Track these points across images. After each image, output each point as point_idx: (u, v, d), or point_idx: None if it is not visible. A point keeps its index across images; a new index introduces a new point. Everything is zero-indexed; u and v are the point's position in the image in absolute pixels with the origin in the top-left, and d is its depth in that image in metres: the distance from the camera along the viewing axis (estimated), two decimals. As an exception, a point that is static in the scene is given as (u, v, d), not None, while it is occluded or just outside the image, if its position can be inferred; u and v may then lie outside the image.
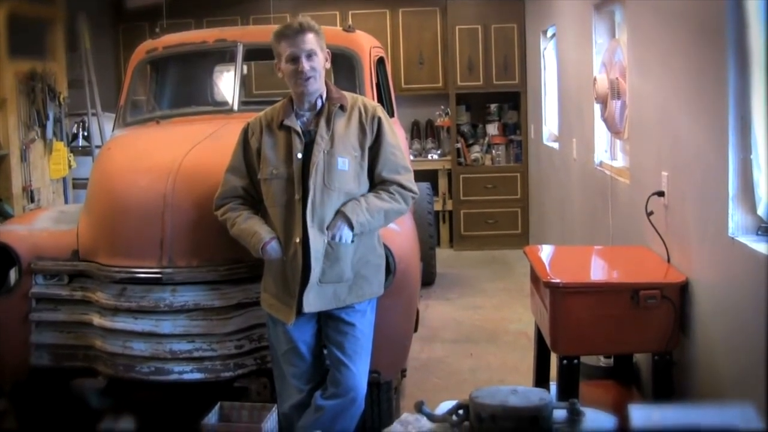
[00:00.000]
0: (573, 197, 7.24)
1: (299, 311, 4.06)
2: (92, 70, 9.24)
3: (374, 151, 4.15)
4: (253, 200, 4.24)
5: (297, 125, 4.09)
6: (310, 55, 4.03)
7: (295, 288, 4.05)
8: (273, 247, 4.07)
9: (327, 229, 4.01)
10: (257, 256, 4.11)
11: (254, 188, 4.21)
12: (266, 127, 4.18)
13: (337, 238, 4.02)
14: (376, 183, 4.17)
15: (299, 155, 4.04)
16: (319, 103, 4.13)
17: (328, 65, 4.19)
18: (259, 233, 4.08)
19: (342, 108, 4.13)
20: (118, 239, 4.61)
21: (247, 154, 4.22)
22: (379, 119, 4.17)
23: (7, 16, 8.01)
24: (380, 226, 4.21)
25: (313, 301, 4.04)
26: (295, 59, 4.02)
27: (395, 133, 4.26)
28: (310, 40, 4.04)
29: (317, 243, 4.00)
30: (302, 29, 4.03)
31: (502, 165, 10.53)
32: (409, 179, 4.21)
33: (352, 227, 4.02)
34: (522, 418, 2.67)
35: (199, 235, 4.48)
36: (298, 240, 4.02)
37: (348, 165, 4.05)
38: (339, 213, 4.02)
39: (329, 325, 4.17)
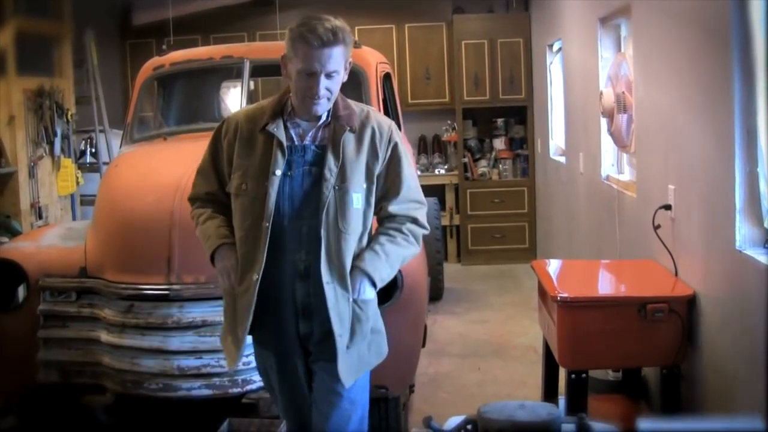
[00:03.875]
0: (580, 211, 7.24)
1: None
2: (99, 86, 9.28)
3: (386, 179, 3.45)
4: (221, 204, 3.55)
5: (282, 135, 3.34)
6: (330, 75, 3.26)
7: (242, 333, 3.40)
8: (222, 255, 3.43)
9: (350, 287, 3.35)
10: (210, 261, 3.50)
11: (224, 195, 3.52)
12: (245, 128, 3.43)
13: (361, 296, 3.37)
14: (383, 217, 3.49)
15: (278, 172, 3.31)
16: (325, 117, 3.38)
17: (346, 77, 3.40)
18: (213, 236, 3.47)
19: (351, 129, 3.38)
20: (126, 256, 4.62)
21: (217, 156, 3.53)
22: (396, 144, 3.46)
23: (15, 34, 8.04)
24: (394, 274, 3.59)
25: (346, 373, 3.37)
26: (310, 74, 3.24)
27: (409, 159, 3.58)
28: (336, 57, 3.26)
29: (341, 303, 3.32)
30: (331, 42, 3.22)
31: (509, 179, 10.53)
32: (423, 214, 3.56)
33: (374, 285, 3.40)
34: (530, 432, 2.67)
35: (206, 251, 4.48)
36: (256, 277, 3.31)
37: (360, 201, 3.38)
38: (357, 269, 3.36)
39: (317, 382, 3.54)
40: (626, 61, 5.28)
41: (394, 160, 3.45)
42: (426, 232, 3.58)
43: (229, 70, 6.48)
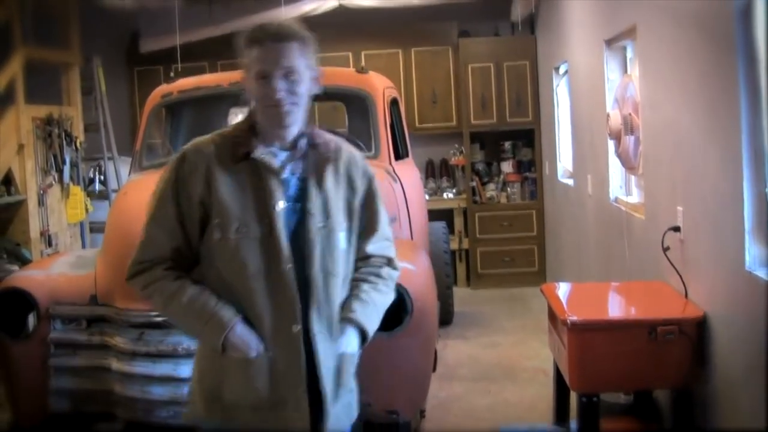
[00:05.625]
0: (589, 233, 7.23)
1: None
2: (108, 114, 9.34)
3: (362, 216, 3.08)
4: (186, 265, 2.95)
5: (273, 161, 2.89)
6: (288, 74, 2.84)
7: (301, 399, 2.86)
8: (241, 335, 2.84)
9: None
10: (215, 349, 2.87)
11: (190, 249, 2.93)
12: (219, 160, 2.91)
13: (348, 349, 2.96)
14: (359, 258, 3.09)
15: (279, 206, 2.86)
16: (302, 145, 2.96)
17: (317, 90, 2.97)
18: (217, 315, 2.84)
19: (328, 159, 3.00)
20: (136, 283, 4.62)
21: (182, 199, 2.91)
22: (371, 177, 3.11)
23: (23, 62, 8.09)
24: None
25: (334, 429, 2.97)
26: (267, 77, 2.84)
27: (380, 193, 3.20)
28: (291, 53, 2.85)
29: (328, 354, 2.90)
30: (282, 36, 2.86)
31: (517, 202, 10.52)
32: (395, 252, 3.21)
33: (364, 338, 3.01)
34: (542, 456, 2.67)
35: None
36: (297, 329, 2.84)
37: (344, 241, 2.99)
38: (349, 320, 2.95)
39: None
40: (633, 83, 5.29)
41: (371, 195, 3.10)
42: (399, 273, 3.22)
43: (237, 97, 6.45)
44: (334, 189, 2.97)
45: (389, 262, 3.16)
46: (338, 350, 2.93)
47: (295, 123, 2.92)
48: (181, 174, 2.93)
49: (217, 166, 2.89)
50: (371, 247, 3.09)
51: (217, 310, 2.84)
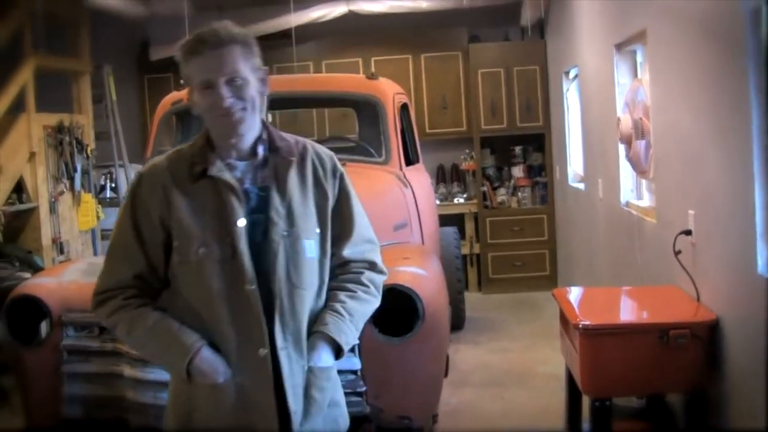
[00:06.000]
0: (600, 238, 7.22)
1: None
2: (118, 121, 9.38)
3: (336, 220, 2.90)
4: (152, 292, 2.83)
5: (230, 177, 2.74)
6: (233, 79, 2.69)
7: (272, 423, 2.72)
8: (206, 360, 2.70)
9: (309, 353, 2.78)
10: (180, 377, 2.76)
11: (154, 275, 2.82)
12: (175, 180, 2.78)
13: (318, 363, 2.79)
14: (335, 264, 2.92)
15: (240, 223, 2.71)
16: (260, 151, 2.81)
17: (267, 91, 2.85)
18: (180, 340, 2.72)
19: (291, 162, 2.83)
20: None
21: (141, 225, 2.79)
22: (341, 175, 2.93)
23: (34, 71, 8.13)
24: None
25: None
26: (210, 86, 2.69)
27: (354, 192, 3.01)
28: (232, 58, 2.69)
29: (296, 373, 2.74)
30: (220, 42, 2.68)
31: (528, 207, 10.51)
32: (379, 256, 3.03)
33: (339, 352, 2.83)
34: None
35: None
36: (264, 352, 2.69)
37: (314, 249, 2.81)
38: (319, 334, 2.79)
39: None
40: (643, 87, 5.28)
41: (343, 195, 2.92)
42: (385, 277, 3.03)
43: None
44: (300, 194, 2.81)
45: (372, 267, 2.98)
46: (306, 366, 2.76)
47: (250, 130, 2.77)
48: (139, 199, 2.80)
49: (175, 187, 2.76)
50: (348, 252, 2.92)
51: (179, 335, 2.72)
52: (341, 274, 2.92)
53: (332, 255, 2.89)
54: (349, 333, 2.81)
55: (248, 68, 2.73)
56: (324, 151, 2.95)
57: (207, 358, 2.70)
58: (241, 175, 2.77)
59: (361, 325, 2.90)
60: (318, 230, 2.82)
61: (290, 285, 2.72)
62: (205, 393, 2.73)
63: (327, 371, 2.81)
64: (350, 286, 2.89)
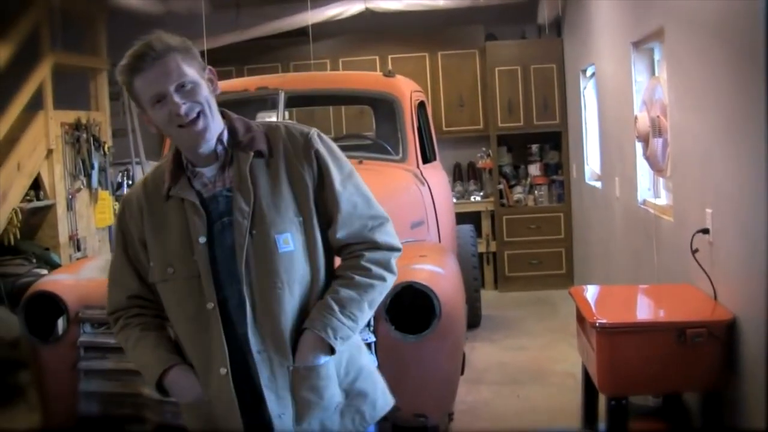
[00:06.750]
0: (617, 236, 7.21)
1: None
2: (135, 118, 9.37)
3: (320, 202, 2.75)
4: (154, 308, 2.87)
5: (190, 195, 2.69)
6: (182, 85, 2.60)
7: None
8: (175, 379, 2.74)
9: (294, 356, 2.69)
10: (157, 396, 2.90)
11: (149, 292, 2.84)
12: (148, 201, 2.78)
13: (305, 363, 2.70)
14: (337, 249, 2.82)
15: (201, 239, 2.66)
16: (219, 150, 2.71)
17: (219, 89, 2.77)
18: (153, 360, 2.76)
19: (259, 153, 2.73)
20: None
21: (128, 247, 2.84)
22: (317, 150, 2.75)
23: (52, 68, 8.16)
24: (365, 323, 2.94)
25: None
26: (161, 98, 2.60)
27: (344, 164, 2.84)
28: (175, 65, 2.60)
29: (276, 377, 2.68)
30: (158, 52, 2.59)
31: (544, 205, 10.49)
32: (385, 232, 2.83)
33: (331, 350, 2.71)
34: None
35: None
36: (224, 371, 2.66)
37: (293, 240, 2.68)
38: (305, 332, 2.69)
39: None
40: (660, 85, 5.27)
41: (323, 173, 2.75)
42: (398, 254, 2.86)
43: (264, 102, 6.51)
44: (269, 186, 2.70)
45: (374, 246, 2.80)
46: (291, 366, 2.69)
47: (213, 133, 2.68)
48: (123, 224, 2.85)
49: (148, 208, 2.77)
50: (342, 234, 2.76)
51: (153, 354, 2.76)
52: (344, 259, 2.82)
53: (330, 240, 2.79)
54: (338, 326, 2.67)
55: (194, 71, 2.65)
56: (298, 129, 2.81)
57: (176, 377, 2.74)
58: (212, 180, 2.73)
59: (362, 314, 2.76)
60: (299, 218, 2.71)
61: (262, 285, 2.65)
62: (184, 408, 2.87)
63: (316, 369, 2.71)
64: (347, 273, 2.77)
